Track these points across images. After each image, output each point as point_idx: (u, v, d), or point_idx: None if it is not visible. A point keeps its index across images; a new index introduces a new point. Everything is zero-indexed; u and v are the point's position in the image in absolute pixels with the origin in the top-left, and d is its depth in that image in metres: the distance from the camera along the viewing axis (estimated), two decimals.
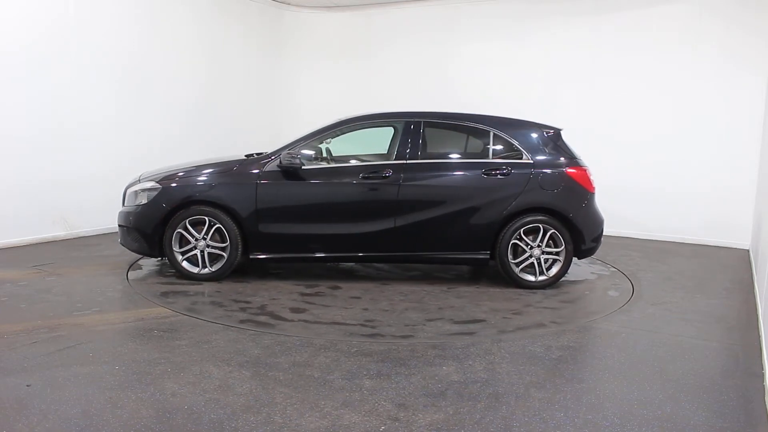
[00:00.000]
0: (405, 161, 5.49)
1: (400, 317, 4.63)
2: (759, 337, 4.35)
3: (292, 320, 4.49)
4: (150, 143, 7.95)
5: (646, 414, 3.10)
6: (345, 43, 10.18)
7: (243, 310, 4.71)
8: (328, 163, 5.76)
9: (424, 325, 4.45)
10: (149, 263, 6.10)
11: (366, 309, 4.83)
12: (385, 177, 5.42)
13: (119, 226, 5.68)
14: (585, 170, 5.58)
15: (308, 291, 5.32)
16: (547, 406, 3.15)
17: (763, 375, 3.66)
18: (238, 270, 5.76)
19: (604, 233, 5.70)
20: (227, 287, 5.34)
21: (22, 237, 6.63)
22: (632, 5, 8.20)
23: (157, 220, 5.39)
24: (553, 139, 5.66)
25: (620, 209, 8.09)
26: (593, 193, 5.60)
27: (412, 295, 5.26)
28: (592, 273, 6.24)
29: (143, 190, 5.53)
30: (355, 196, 5.48)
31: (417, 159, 5.51)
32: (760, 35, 7.53)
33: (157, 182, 5.52)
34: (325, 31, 10.27)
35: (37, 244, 6.72)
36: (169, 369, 3.48)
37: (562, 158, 5.59)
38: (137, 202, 5.53)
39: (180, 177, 5.55)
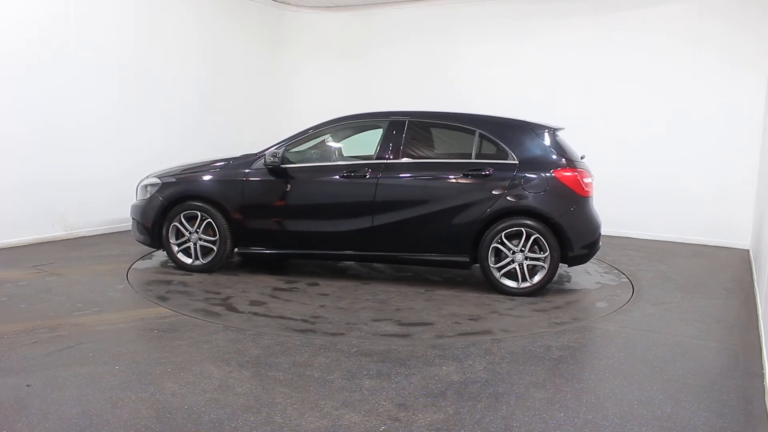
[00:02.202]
0: (384, 161, 5.47)
1: (348, 315, 4.63)
2: (759, 337, 4.35)
3: (243, 312, 4.63)
4: (150, 143, 7.95)
5: (646, 414, 3.10)
6: (345, 43, 10.17)
7: (206, 300, 4.90)
8: (311, 162, 5.80)
9: (366, 324, 4.42)
10: (156, 258, 6.14)
11: (323, 306, 4.87)
12: (363, 176, 5.41)
13: (131, 218, 6.01)
14: (576, 172, 5.25)
15: (284, 286, 5.42)
16: (547, 406, 3.15)
17: (763, 375, 3.66)
18: (243, 263, 6.03)
19: (600, 238, 5.42)
20: (212, 279, 5.57)
21: (22, 237, 6.63)
22: (632, 5, 8.20)
23: (157, 214, 5.71)
24: (544, 139, 5.38)
25: (621, 209, 8.10)
26: (586, 197, 5.30)
27: (383, 295, 5.23)
28: (597, 282, 5.87)
29: (148, 186, 5.89)
30: (333, 195, 5.55)
31: (398, 159, 5.47)
32: (760, 35, 7.53)
33: (158, 178, 5.89)
34: (325, 31, 10.27)
35: (37, 244, 6.72)
36: (169, 369, 3.48)
37: (551, 159, 5.29)
38: (143, 197, 5.89)
39: (177, 174, 5.88)
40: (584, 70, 8.52)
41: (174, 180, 5.79)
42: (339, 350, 3.86)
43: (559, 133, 5.58)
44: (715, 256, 7.33)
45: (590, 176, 5.43)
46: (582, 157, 5.62)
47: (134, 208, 5.94)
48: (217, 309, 4.68)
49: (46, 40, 6.71)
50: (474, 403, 3.15)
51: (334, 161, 5.86)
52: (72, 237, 7.11)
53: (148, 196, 5.79)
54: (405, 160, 5.49)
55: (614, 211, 7.88)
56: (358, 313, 4.71)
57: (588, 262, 5.78)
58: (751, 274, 6.35)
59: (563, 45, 8.62)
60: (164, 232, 5.71)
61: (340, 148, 6.11)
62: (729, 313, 5.01)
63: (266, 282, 5.53)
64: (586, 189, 5.30)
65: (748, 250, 7.63)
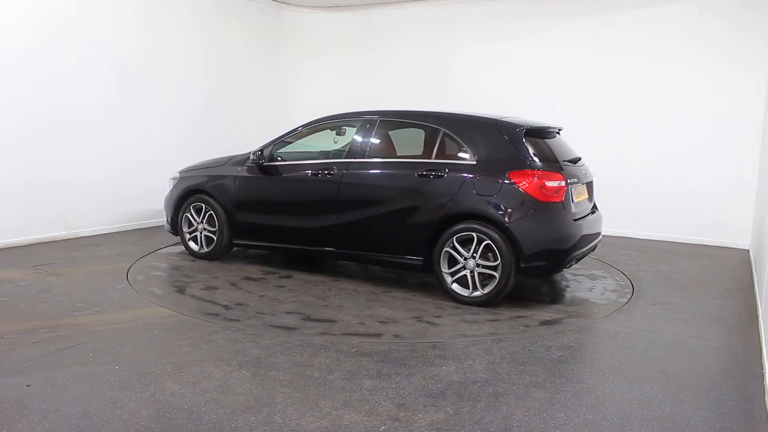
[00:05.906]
0: (348, 160, 5.51)
1: (269, 306, 4.77)
2: (759, 337, 4.35)
3: (185, 295, 5.00)
4: (150, 143, 7.94)
5: (646, 414, 3.10)
6: (345, 43, 10.17)
7: (171, 283, 5.37)
8: (290, 160, 5.92)
9: (273, 315, 4.53)
10: (179, 246, 6.58)
11: (262, 296, 5.06)
12: (329, 175, 5.50)
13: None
14: (537, 175, 4.76)
15: (254, 276, 5.71)
16: (547, 406, 3.15)
17: (763, 375, 3.66)
18: (250, 254, 6.60)
19: (572, 251, 4.89)
20: (206, 265, 6.05)
21: (22, 237, 6.63)
22: (632, 5, 8.20)
23: (175, 205, 6.38)
24: (511, 139, 4.96)
25: (621, 209, 8.09)
26: (549, 203, 4.77)
27: (334, 291, 5.26)
28: (584, 299, 5.28)
29: (171, 179, 6.55)
30: (304, 193, 5.72)
31: (363, 158, 5.47)
32: (761, 35, 7.52)
33: (179, 173, 6.51)
34: (325, 31, 10.26)
35: (37, 244, 6.71)
36: (169, 369, 3.48)
37: (509, 160, 4.88)
38: (169, 189, 6.52)
39: (192, 169, 6.47)
40: (584, 70, 8.50)
41: (187, 175, 6.39)
42: (339, 350, 3.86)
43: (555, 132, 5.38)
44: (715, 256, 7.32)
45: (563, 180, 4.86)
46: (576, 160, 5.38)
47: (164, 199, 6.58)
48: (169, 291, 5.10)
49: (46, 40, 6.70)
50: (474, 403, 3.15)
51: (306, 160, 5.93)
52: (72, 237, 7.11)
53: (171, 188, 6.47)
54: (367, 159, 5.47)
55: (614, 211, 7.87)
56: (283, 305, 4.83)
57: (613, 285, 5.58)
58: (751, 274, 6.35)
59: (563, 45, 8.60)
60: (179, 221, 6.34)
61: (319, 146, 6.26)
62: (729, 313, 5.01)
63: (246, 271, 5.85)
64: (547, 194, 4.77)
65: (748, 250, 7.62)
